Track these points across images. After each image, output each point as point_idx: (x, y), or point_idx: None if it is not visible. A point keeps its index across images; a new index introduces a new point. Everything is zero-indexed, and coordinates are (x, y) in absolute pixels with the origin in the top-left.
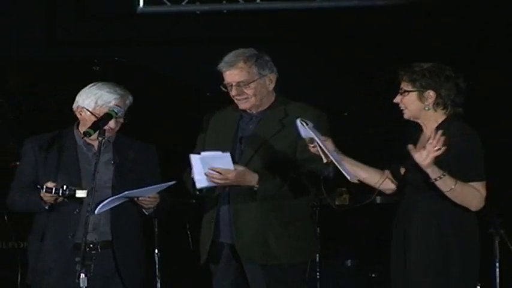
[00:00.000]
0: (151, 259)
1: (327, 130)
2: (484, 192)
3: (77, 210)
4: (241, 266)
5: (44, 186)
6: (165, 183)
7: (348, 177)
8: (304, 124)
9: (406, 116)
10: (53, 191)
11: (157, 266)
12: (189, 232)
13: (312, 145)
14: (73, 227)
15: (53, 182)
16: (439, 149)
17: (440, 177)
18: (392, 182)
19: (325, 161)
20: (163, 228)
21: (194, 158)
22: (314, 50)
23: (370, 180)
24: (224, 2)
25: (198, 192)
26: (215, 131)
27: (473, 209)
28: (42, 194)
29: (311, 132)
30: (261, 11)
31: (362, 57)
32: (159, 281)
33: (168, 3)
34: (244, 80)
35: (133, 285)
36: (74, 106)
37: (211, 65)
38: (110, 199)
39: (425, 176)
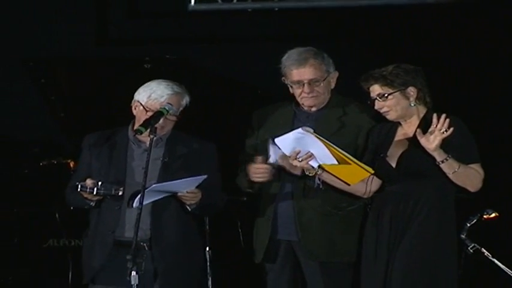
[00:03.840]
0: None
1: None
2: (482, 172)
3: (118, 206)
4: (298, 263)
5: (79, 185)
6: (197, 177)
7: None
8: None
9: (391, 118)
10: (87, 189)
11: (208, 264)
12: (240, 230)
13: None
14: (114, 223)
15: (92, 180)
16: (446, 131)
17: (447, 159)
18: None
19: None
20: (214, 226)
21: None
22: (370, 48)
23: (357, 187)
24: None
25: (250, 190)
26: (268, 129)
27: (473, 190)
28: (81, 192)
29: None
30: (313, 9)
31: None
32: (210, 278)
33: (219, 1)
34: (317, 77)
35: (169, 284)
36: (132, 101)
37: (262, 62)
38: (143, 192)
39: (427, 161)
